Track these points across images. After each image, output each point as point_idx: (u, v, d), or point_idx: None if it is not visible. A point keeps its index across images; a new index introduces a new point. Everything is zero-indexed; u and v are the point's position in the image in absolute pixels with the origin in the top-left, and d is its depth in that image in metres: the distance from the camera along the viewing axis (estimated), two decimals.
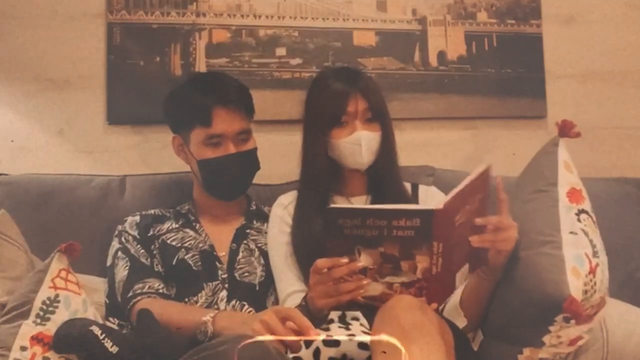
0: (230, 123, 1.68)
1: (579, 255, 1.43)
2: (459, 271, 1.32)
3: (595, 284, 1.42)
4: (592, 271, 1.42)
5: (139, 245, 1.69)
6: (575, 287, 1.39)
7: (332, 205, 1.26)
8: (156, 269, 1.67)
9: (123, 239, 1.71)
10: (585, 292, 1.40)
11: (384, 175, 1.67)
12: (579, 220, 1.49)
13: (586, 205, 1.53)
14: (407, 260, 1.24)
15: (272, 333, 1.23)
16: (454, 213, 1.24)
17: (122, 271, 1.65)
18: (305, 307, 1.40)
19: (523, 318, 1.44)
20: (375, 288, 1.28)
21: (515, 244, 1.39)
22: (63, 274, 1.42)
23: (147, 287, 1.61)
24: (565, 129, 1.57)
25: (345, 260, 1.26)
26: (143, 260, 1.67)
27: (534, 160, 1.63)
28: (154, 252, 1.69)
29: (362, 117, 1.63)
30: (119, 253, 1.69)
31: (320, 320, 1.38)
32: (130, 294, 1.60)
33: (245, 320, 1.43)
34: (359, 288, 1.28)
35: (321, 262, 1.31)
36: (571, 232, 1.47)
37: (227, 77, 1.78)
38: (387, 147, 1.66)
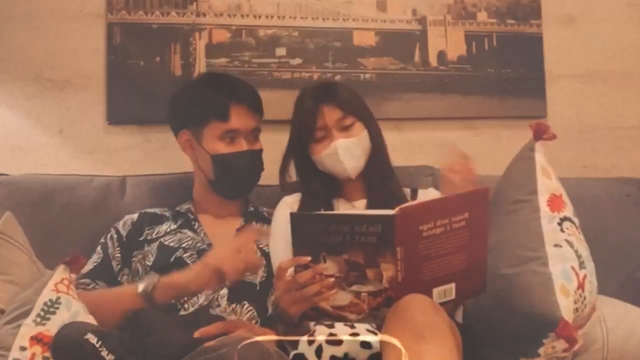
0: (246, 120, 1.71)
1: (565, 271, 1.41)
2: (438, 287, 1.28)
3: (585, 298, 1.40)
4: (581, 285, 1.40)
5: (118, 248, 1.70)
6: (565, 307, 1.37)
7: (294, 212, 1.25)
8: (119, 279, 1.67)
9: (109, 236, 1.72)
10: (576, 309, 1.38)
11: (376, 178, 1.68)
12: (562, 230, 1.46)
13: (568, 211, 1.50)
14: (372, 268, 1.23)
15: None
16: (416, 221, 1.22)
17: (89, 264, 1.66)
18: (277, 316, 1.40)
19: (515, 334, 1.43)
20: (343, 297, 1.27)
21: None
22: (66, 281, 1.42)
23: (91, 286, 1.61)
24: (540, 132, 1.53)
25: (307, 258, 1.26)
26: (114, 264, 1.68)
27: (511, 166, 1.59)
28: (132, 259, 1.68)
29: (337, 127, 1.64)
30: (99, 247, 1.71)
31: (297, 326, 1.37)
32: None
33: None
34: (324, 288, 1.26)
35: (284, 263, 1.32)
36: (555, 245, 1.44)
37: (238, 78, 1.81)
38: (373, 150, 1.66)
